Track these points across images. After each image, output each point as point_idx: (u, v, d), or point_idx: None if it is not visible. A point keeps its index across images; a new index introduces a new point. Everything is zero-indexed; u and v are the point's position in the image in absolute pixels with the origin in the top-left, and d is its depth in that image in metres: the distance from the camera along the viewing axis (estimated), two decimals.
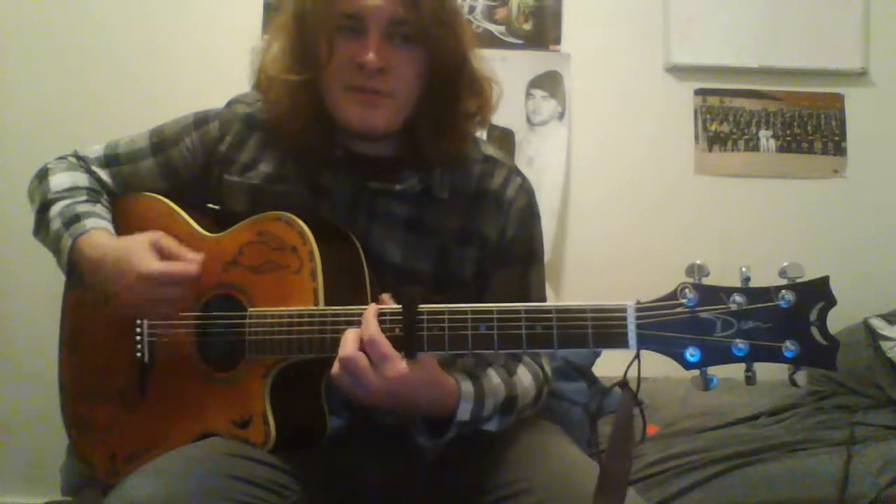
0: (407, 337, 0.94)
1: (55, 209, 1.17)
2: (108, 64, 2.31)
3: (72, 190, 1.20)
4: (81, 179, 1.23)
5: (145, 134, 1.26)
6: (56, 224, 1.15)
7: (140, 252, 1.06)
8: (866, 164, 2.40)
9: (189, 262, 1.07)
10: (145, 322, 1.14)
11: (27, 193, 1.26)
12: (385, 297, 1.00)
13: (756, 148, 2.40)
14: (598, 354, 1.79)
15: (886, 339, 2.02)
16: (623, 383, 0.86)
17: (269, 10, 2.27)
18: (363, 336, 0.94)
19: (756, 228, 2.36)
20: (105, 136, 1.30)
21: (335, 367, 0.95)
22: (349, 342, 0.94)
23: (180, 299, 1.08)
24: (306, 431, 1.07)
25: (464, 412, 1.02)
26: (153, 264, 1.05)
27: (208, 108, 1.25)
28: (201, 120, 1.23)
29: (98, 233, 1.13)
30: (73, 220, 1.14)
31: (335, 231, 1.11)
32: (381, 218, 1.14)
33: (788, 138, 2.40)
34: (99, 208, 1.19)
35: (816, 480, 1.55)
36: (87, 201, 1.19)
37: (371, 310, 0.96)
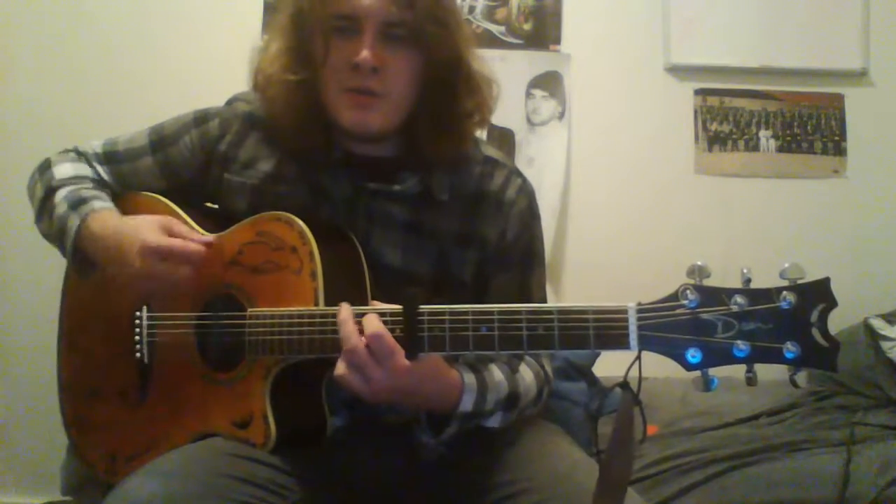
0: (408, 338, 0.94)
1: (60, 194, 1.16)
2: (109, 63, 2.31)
3: (76, 178, 1.20)
4: (85, 170, 1.23)
5: (145, 132, 1.25)
6: (62, 208, 1.14)
7: (147, 227, 1.07)
8: (866, 164, 2.40)
9: (194, 242, 1.07)
10: (144, 322, 1.14)
11: (27, 189, 1.25)
12: (374, 303, 1.00)
13: (756, 148, 2.40)
14: (598, 354, 1.79)
15: (886, 339, 2.02)
16: (624, 384, 0.86)
17: (270, 10, 2.27)
18: (366, 332, 0.93)
19: (756, 228, 2.36)
20: (104, 136, 1.29)
21: (340, 368, 0.94)
22: (352, 333, 0.94)
23: (182, 280, 1.06)
24: (307, 431, 1.07)
25: (466, 403, 1.02)
26: (157, 237, 1.05)
27: (208, 106, 1.24)
28: (201, 118, 1.23)
29: (107, 212, 1.13)
30: (79, 202, 1.14)
31: (335, 231, 1.11)
32: (379, 219, 1.14)
33: (788, 138, 2.40)
34: (105, 194, 1.19)
35: (816, 480, 1.55)
36: (92, 188, 1.18)
37: (371, 312, 0.96)
